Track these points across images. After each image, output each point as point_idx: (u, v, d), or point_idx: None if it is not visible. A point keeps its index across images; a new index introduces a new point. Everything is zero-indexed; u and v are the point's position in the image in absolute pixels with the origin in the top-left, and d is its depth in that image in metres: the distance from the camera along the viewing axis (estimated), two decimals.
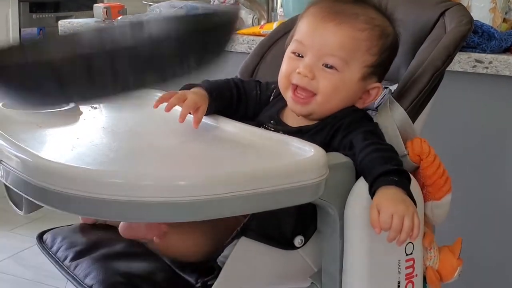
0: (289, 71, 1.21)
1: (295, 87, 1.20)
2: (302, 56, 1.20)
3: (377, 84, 1.23)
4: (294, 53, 1.21)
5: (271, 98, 1.30)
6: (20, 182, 0.99)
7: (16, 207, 1.23)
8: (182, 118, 1.16)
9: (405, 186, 1.07)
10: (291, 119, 1.24)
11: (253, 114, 1.30)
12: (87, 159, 1.02)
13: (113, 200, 0.92)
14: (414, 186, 1.15)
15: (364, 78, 1.20)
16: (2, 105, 1.23)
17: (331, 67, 1.18)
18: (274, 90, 1.29)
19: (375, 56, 1.19)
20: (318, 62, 1.18)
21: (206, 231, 1.18)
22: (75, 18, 3.43)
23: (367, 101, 1.24)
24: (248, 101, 1.31)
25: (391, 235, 1.03)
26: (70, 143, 1.09)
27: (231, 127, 1.20)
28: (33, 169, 0.97)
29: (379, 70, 1.22)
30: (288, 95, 1.22)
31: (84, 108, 1.28)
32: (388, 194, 1.05)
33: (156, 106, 1.19)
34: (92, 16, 2.52)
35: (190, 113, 1.17)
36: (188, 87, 1.24)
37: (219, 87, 1.27)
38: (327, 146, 1.13)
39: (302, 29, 1.21)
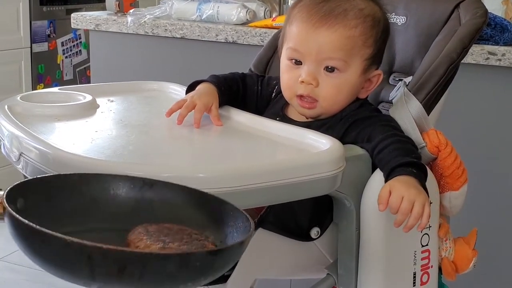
0: (291, 82, 1.20)
1: (300, 95, 1.20)
2: (300, 63, 1.19)
3: (378, 72, 1.23)
4: (291, 60, 1.20)
5: (273, 95, 1.30)
6: (40, 174, 1.00)
7: None
8: (197, 123, 1.16)
9: (421, 178, 1.08)
10: (297, 114, 1.24)
11: (255, 109, 1.30)
12: (106, 151, 1.03)
13: None
14: (430, 178, 1.16)
15: (365, 71, 1.20)
16: (20, 98, 1.24)
17: (332, 69, 1.17)
18: (276, 87, 1.29)
19: (372, 47, 1.19)
20: (319, 67, 1.17)
21: None
22: (85, 10, 3.44)
23: (369, 89, 1.24)
24: (249, 96, 1.31)
25: (398, 218, 1.04)
26: (89, 135, 1.10)
27: (246, 119, 1.21)
28: (53, 161, 0.98)
29: (378, 57, 1.22)
30: (294, 103, 1.22)
31: (101, 101, 1.29)
32: (403, 179, 1.06)
33: (168, 116, 1.18)
34: (103, 9, 2.52)
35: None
36: (196, 83, 1.25)
37: (226, 80, 1.27)
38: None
39: (294, 36, 1.19)
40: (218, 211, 0.87)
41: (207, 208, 0.88)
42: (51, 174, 0.92)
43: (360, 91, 1.23)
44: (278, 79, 1.26)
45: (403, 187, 1.04)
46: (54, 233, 0.72)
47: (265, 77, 1.34)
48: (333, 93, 1.18)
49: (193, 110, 1.17)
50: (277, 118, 1.25)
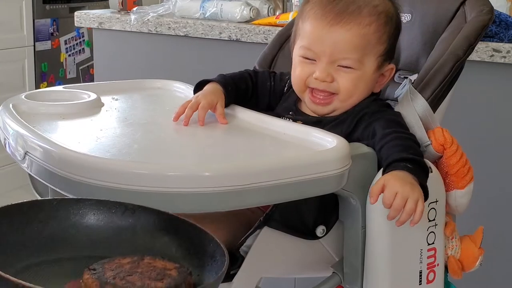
0: (304, 75, 1.20)
1: (312, 89, 1.20)
2: (314, 60, 1.19)
3: (391, 66, 1.24)
4: (305, 58, 1.20)
5: (285, 89, 1.31)
6: (45, 173, 1.00)
7: (41, 197, 1.24)
8: (201, 121, 1.16)
9: (417, 174, 1.06)
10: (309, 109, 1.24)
11: (267, 105, 1.30)
12: (112, 150, 1.03)
13: (139, 190, 0.93)
14: (436, 176, 1.16)
15: (379, 67, 1.21)
16: (25, 96, 1.24)
17: (346, 67, 1.18)
18: (288, 81, 1.29)
19: (386, 43, 1.20)
20: (333, 64, 1.18)
21: (220, 227, 1.18)
22: (89, 9, 3.44)
23: (382, 82, 1.25)
24: (262, 92, 1.31)
25: (390, 213, 1.03)
26: (94, 134, 1.10)
27: (252, 118, 1.20)
28: (58, 159, 0.98)
29: (391, 53, 1.23)
30: (306, 97, 1.22)
31: (105, 100, 1.29)
32: (398, 175, 1.05)
33: (175, 120, 1.17)
34: (106, 7, 2.52)
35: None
36: (203, 82, 1.25)
37: (234, 80, 1.27)
38: (348, 137, 1.14)
39: (307, 34, 1.20)
40: (196, 241, 0.83)
41: (186, 237, 0.85)
42: (28, 200, 0.89)
43: (374, 86, 1.23)
44: (290, 74, 1.26)
45: (398, 182, 1.03)
46: (5, 275, 0.68)
47: (277, 73, 1.34)
48: (350, 87, 1.18)
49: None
50: (290, 113, 1.25)
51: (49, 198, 0.90)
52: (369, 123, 1.16)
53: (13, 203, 0.86)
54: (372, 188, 1.05)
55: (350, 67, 1.18)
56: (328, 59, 1.17)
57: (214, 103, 1.19)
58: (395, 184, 1.03)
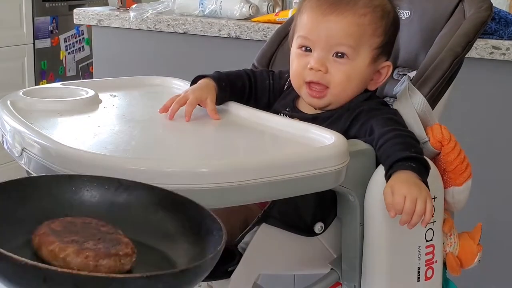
0: (300, 68, 1.20)
1: (309, 83, 1.20)
2: (310, 50, 1.20)
3: (387, 63, 1.23)
4: (301, 47, 1.21)
5: (285, 87, 1.31)
6: (43, 169, 1.00)
7: None
8: (187, 116, 1.16)
9: (421, 173, 1.07)
10: (307, 106, 1.24)
11: (267, 104, 1.30)
12: (109, 146, 1.02)
13: None
14: (435, 172, 1.16)
15: (374, 61, 1.20)
16: (23, 93, 1.24)
17: (342, 55, 1.17)
18: (288, 80, 1.29)
19: (381, 37, 1.20)
20: (328, 53, 1.18)
21: None
22: (88, 6, 3.43)
23: (378, 81, 1.24)
24: (261, 91, 1.31)
25: (403, 218, 1.04)
26: (92, 130, 1.10)
27: (250, 114, 1.20)
28: (56, 156, 0.97)
29: (387, 49, 1.23)
30: (303, 92, 1.22)
31: (103, 96, 1.29)
32: (402, 177, 1.05)
33: (161, 112, 1.18)
34: (105, 4, 2.52)
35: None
36: (198, 78, 1.25)
37: (229, 77, 1.27)
38: (345, 135, 1.14)
39: (304, 25, 1.20)
40: (193, 216, 0.83)
41: (182, 212, 0.84)
42: (23, 177, 0.89)
43: (369, 83, 1.22)
44: (289, 71, 1.26)
45: (404, 186, 1.04)
46: (9, 253, 0.68)
47: (275, 71, 1.34)
48: (343, 79, 1.18)
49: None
50: (287, 109, 1.25)
51: (44, 174, 0.90)
52: (366, 120, 1.16)
53: (8, 180, 0.84)
54: (386, 202, 1.04)
55: (345, 55, 1.17)
56: (323, 46, 1.17)
57: (204, 99, 1.19)
58: (401, 187, 1.03)
